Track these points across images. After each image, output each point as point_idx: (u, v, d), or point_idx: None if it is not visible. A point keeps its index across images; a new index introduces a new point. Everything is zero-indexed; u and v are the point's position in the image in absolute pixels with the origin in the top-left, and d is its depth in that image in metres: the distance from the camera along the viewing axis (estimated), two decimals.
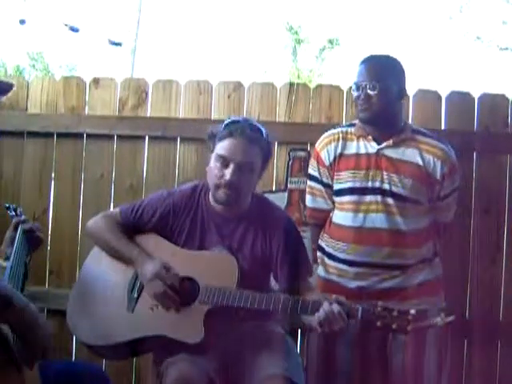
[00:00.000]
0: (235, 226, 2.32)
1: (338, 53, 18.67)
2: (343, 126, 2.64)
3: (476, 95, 3.08)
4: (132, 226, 2.39)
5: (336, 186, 2.57)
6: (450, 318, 2.03)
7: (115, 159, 3.24)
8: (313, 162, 2.66)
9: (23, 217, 2.25)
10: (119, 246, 2.35)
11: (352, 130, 2.58)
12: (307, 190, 2.70)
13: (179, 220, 2.35)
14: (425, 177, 2.49)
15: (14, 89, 1.89)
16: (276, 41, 19.55)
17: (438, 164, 2.49)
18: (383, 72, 2.48)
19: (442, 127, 3.07)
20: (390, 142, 2.51)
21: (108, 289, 2.34)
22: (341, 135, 2.58)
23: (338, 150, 2.57)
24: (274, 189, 3.11)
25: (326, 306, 2.06)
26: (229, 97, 3.18)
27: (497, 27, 15.17)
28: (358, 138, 2.55)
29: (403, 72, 2.56)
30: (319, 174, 2.62)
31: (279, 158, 3.09)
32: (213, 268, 2.24)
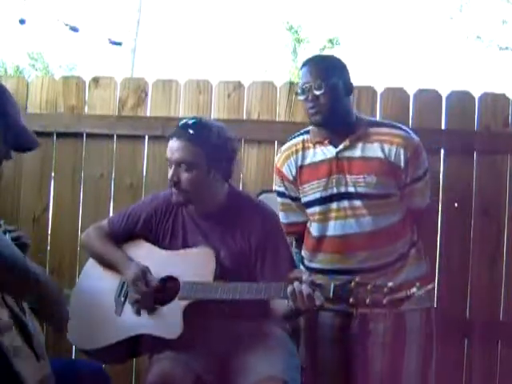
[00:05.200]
0: (214, 223, 2.34)
1: (338, 53, 18.66)
2: (298, 135, 2.57)
3: (476, 95, 3.07)
4: (120, 235, 2.45)
5: (303, 199, 2.53)
6: (430, 286, 2.00)
7: (115, 159, 3.24)
8: (276, 179, 2.63)
9: (10, 227, 2.26)
10: (106, 254, 2.43)
11: (308, 136, 2.53)
12: (279, 207, 2.64)
13: (162, 223, 2.40)
14: (389, 168, 2.43)
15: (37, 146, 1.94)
16: (276, 40, 19.58)
17: (400, 151, 2.42)
18: (326, 70, 2.42)
19: (442, 127, 3.06)
20: (347, 142, 2.44)
21: (100, 294, 2.39)
22: (299, 146, 2.53)
23: (298, 163, 2.52)
24: (274, 189, 3.10)
25: (296, 285, 2.04)
26: (229, 96, 3.18)
27: (497, 27, 15.19)
28: (315, 144, 2.50)
29: (346, 68, 2.49)
30: (285, 188, 2.58)
31: None
32: (192, 264, 2.28)
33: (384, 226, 2.45)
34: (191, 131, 2.27)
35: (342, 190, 2.45)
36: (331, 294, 2.01)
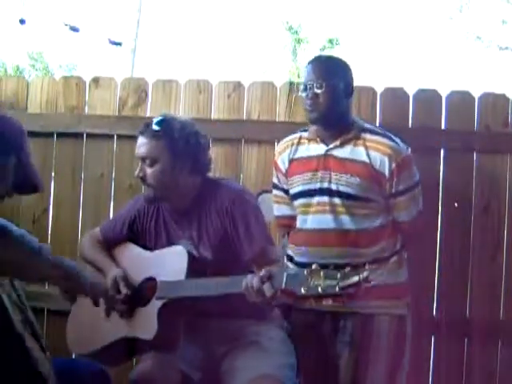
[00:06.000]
0: (190, 217, 2.37)
1: (337, 53, 18.67)
2: (297, 132, 2.66)
3: (476, 95, 3.07)
4: (111, 241, 2.50)
5: (290, 191, 2.61)
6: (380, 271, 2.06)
7: (115, 159, 3.24)
8: (274, 171, 2.71)
9: None
10: (95, 261, 2.48)
11: (305, 134, 2.62)
12: (273, 199, 2.71)
13: (145, 224, 2.44)
14: (372, 174, 2.48)
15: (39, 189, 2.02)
16: (276, 40, 19.58)
17: (385, 160, 2.47)
18: (328, 71, 2.50)
19: (442, 127, 3.06)
20: (338, 142, 2.52)
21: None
22: (295, 141, 2.62)
23: (290, 156, 2.61)
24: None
25: (248, 278, 2.06)
26: (229, 96, 3.18)
27: (497, 27, 15.19)
28: (310, 141, 2.59)
29: (349, 70, 2.57)
30: (279, 181, 2.67)
31: None
32: (166, 264, 2.30)
33: (361, 227, 2.50)
34: (154, 127, 2.32)
35: (325, 185, 2.52)
36: (283, 284, 2.02)
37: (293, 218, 2.64)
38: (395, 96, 3.10)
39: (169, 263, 2.29)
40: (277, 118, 3.16)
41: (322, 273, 1.95)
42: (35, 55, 18.30)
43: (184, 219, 2.38)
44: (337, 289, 1.93)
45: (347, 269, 1.96)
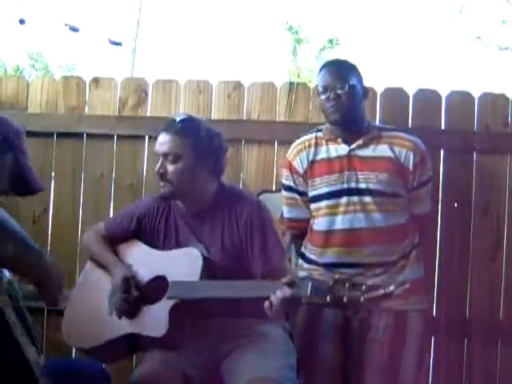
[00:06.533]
0: (203, 220, 2.36)
1: (338, 53, 18.67)
2: (311, 132, 2.66)
3: (476, 95, 3.07)
4: (116, 236, 2.49)
5: (312, 193, 2.60)
6: (407, 285, 2.06)
7: (115, 159, 3.24)
8: (286, 172, 2.67)
9: None
10: (100, 256, 2.47)
11: (320, 134, 2.62)
12: (283, 201, 2.70)
13: (155, 223, 2.43)
14: (398, 168, 2.52)
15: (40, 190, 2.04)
16: (276, 41, 19.58)
17: (410, 154, 2.53)
18: (347, 72, 2.54)
19: (442, 127, 3.07)
20: (360, 141, 2.54)
21: (97, 294, 2.39)
22: (312, 142, 2.62)
23: (310, 157, 2.60)
24: (274, 189, 3.10)
25: (277, 286, 2.06)
26: (229, 96, 3.18)
27: (497, 27, 15.18)
28: (327, 141, 2.59)
29: (361, 74, 2.61)
30: (294, 183, 2.64)
31: (279, 158, 3.08)
32: (181, 264, 2.29)
33: (392, 224, 2.52)
34: (179, 125, 2.32)
35: (353, 185, 2.53)
36: (308, 292, 2.03)
37: (304, 221, 2.63)
38: (395, 96, 3.10)
39: (182, 264, 2.28)
40: (277, 118, 3.16)
41: (347, 284, 1.99)
42: (35, 55, 18.29)
43: (196, 221, 2.37)
44: (361, 299, 1.97)
45: (373, 280, 2.04)
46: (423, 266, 2.63)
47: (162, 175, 2.32)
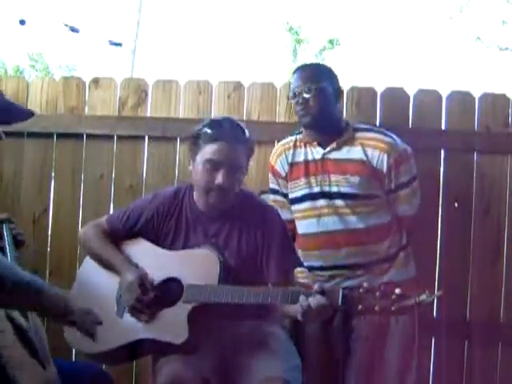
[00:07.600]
0: (221, 224, 2.34)
1: (338, 53, 18.67)
2: (292, 135, 2.69)
3: (476, 95, 3.07)
4: (119, 233, 2.42)
5: (291, 195, 2.64)
6: (437, 293, 2.02)
7: (115, 159, 3.24)
8: (270, 176, 2.73)
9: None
10: (104, 254, 2.39)
11: (300, 137, 2.65)
12: (273, 204, 2.69)
13: (164, 222, 2.37)
14: (371, 170, 2.53)
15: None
16: (276, 41, 19.57)
17: (383, 156, 2.52)
18: (316, 75, 2.56)
19: (443, 127, 3.06)
20: (334, 144, 2.56)
21: (100, 294, 2.34)
22: (291, 144, 2.65)
23: (289, 160, 2.64)
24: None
25: (303, 299, 2.04)
26: (229, 97, 3.18)
27: (497, 27, 15.18)
28: (305, 144, 2.62)
29: (335, 76, 2.63)
30: (278, 185, 2.69)
31: None
32: (196, 267, 2.25)
33: (371, 225, 2.53)
34: (238, 133, 2.30)
35: (326, 189, 2.55)
36: (340, 301, 2.03)
37: (292, 222, 2.66)
38: (395, 96, 3.10)
39: (197, 267, 2.24)
40: (277, 118, 3.16)
41: (377, 293, 1.98)
42: (35, 56, 18.28)
43: (213, 225, 2.34)
44: (392, 308, 1.96)
45: (400, 290, 1.97)
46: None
47: (223, 187, 2.25)
